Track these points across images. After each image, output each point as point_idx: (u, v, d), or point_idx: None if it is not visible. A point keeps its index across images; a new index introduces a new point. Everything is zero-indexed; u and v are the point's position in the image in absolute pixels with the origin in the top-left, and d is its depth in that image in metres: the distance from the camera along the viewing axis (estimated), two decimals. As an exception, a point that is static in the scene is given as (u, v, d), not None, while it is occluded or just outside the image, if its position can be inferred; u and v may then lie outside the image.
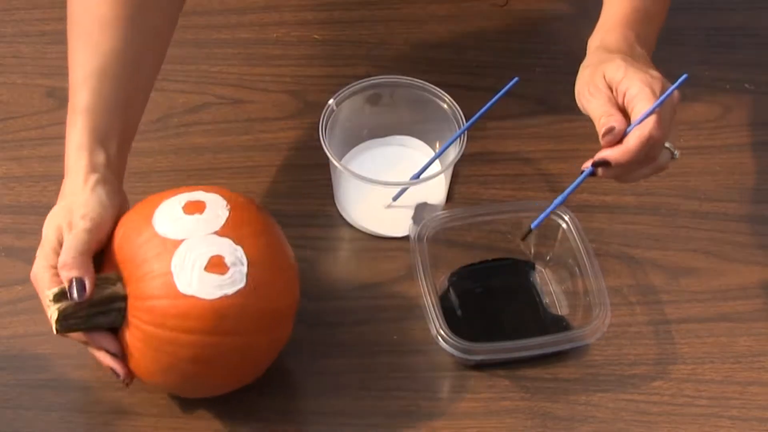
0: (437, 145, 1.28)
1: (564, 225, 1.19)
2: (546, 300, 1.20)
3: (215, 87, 1.37)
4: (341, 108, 1.25)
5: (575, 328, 1.17)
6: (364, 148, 1.30)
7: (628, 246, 1.25)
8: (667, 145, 1.09)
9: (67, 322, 1.04)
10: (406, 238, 1.20)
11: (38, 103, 1.35)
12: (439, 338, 1.13)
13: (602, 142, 1.08)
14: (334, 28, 1.43)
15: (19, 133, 1.33)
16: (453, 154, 1.22)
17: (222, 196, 1.07)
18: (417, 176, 1.24)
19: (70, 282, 1.03)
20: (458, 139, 1.22)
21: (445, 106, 1.26)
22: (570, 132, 1.32)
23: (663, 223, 1.27)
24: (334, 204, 1.27)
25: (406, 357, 1.17)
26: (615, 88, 1.09)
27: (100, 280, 1.04)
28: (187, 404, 1.14)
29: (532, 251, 1.23)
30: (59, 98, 1.35)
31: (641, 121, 1.06)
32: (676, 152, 1.10)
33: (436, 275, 1.18)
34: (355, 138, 1.29)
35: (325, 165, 1.25)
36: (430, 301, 1.14)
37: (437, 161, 1.26)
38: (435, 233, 1.19)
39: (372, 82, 1.26)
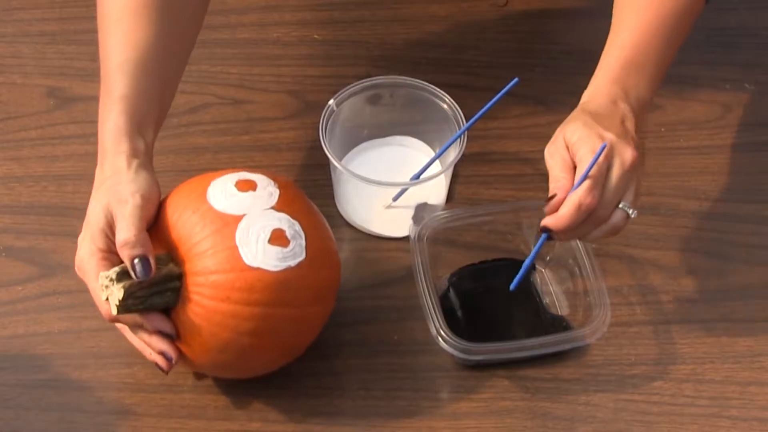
0: (437, 146, 1.28)
1: (564, 225, 1.19)
2: (546, 300, 1.20)
3: (215, 87, 1.37)
4: (341, 108, 1.25)
5: (575, 328, 1.17)
6: (364, 149, 1.30)
7: (628, 246, 1.25)
8: (621, 205, 1.09)
9: (126, 303, 1.03)
10: (406, 238, 1.20)
11: (38, 103, 1.35)
12: (439, 338, 1.13)
13: (545, 209, 1.09)
14: (334, 28, 1.43)
15: (19, 133, 1.33)
16: (453, 154, 1.22)
17: (266, 175, 1.10)
18: (417, 177, 1.24)
19: (134, 260, 1.03)
20: (458, 140, 1.23)
21: (445, 106, 1.26)
22: (570, 132, 1.32)
23: (663, 223, 1.27)
24: (334, 204, 1.27)
25: (406, 357, 1.17)
26: (570, 149, 1.09)
27: (157, 258, 1.05)
28: (187, 405, 1.14)
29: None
30: (59, 98, 1.35)
31: (577, 186, 1.07)
32: (633, 212, 1.09)
33: (436, 275, 1.19)
34: (355, 138, 1.29)
35: (325, 165, 1.25)
36: (430, 301, 1.14)
37: (437, 161, 1.26)
38: (435, 233, 1.19)
39: (372, 82, 1.26)
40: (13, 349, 1.17)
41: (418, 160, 1.27)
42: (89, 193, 1.27)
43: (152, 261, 1.03)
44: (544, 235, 1.10)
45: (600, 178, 1.07)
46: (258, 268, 1.04)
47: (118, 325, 1.09)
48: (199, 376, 1.15)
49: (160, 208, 1.08)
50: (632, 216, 1.09)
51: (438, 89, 1.26)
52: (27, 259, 1.23)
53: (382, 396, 1.15)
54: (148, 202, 1.06)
